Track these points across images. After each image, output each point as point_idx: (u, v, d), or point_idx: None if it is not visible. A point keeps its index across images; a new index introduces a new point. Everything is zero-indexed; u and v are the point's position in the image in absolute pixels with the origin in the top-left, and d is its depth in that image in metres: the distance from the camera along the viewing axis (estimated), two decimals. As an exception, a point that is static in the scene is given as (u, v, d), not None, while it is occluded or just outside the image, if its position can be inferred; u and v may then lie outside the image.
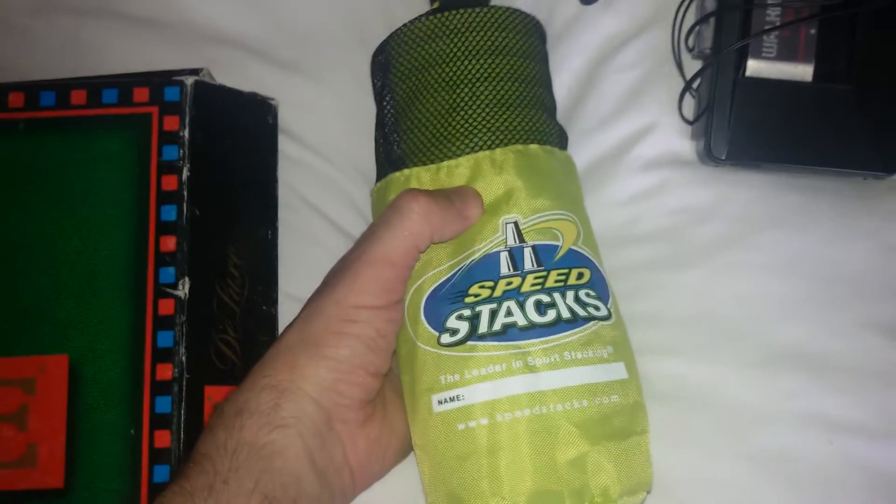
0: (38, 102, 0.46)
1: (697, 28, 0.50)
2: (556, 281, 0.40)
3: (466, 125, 0.42)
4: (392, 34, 0.45)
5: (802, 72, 0.48)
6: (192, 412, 0.43)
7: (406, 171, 0.43)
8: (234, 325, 0.45)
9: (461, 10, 0.43)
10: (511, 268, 0.40)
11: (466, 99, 0.42)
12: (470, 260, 0.40)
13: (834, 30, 0.48)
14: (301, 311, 0.40)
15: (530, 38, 0.44)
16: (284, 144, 0.51)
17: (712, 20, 0.49)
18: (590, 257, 0.42)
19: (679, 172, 0.51)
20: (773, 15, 0.48)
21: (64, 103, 0.46)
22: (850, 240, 0.49)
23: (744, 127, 0.48)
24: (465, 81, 0.42)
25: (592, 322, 0.40)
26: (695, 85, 0.50)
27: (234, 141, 0.48)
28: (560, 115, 0.52)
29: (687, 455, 0.46)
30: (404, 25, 0.44)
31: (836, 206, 0.49)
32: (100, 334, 0.43)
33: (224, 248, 0.46)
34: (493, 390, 0.38)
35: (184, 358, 0.43)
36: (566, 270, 0.40)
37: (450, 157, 0.42)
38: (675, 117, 0.51)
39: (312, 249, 0.49)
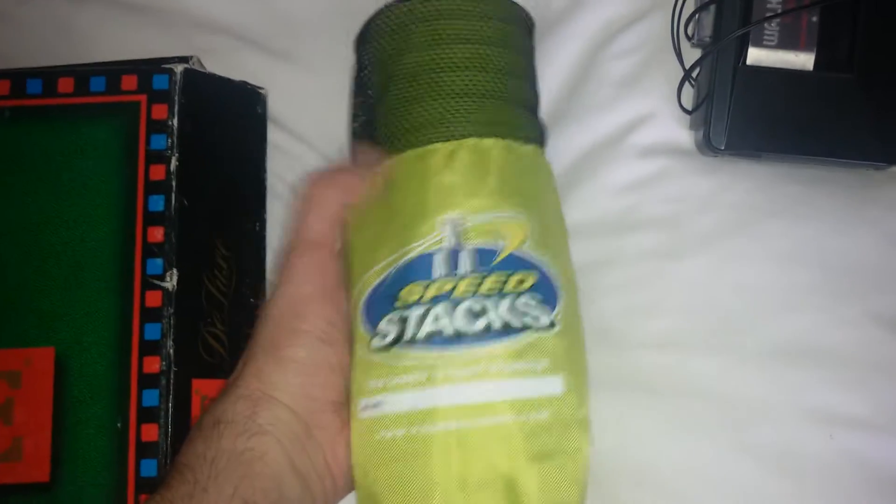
0: (24, 90, 0.46)
1: (697, 16, 0.49)
2: (492, 287, 0.38)
3: (421, 118, 0.40)
4: (367, 22, 0.43)
5: (804, 60, 0.47)
6: (179, 406, 0.42)
7: None
8: (222, 317, 0.45)
9: None
10: (445, 270, 0.38)
11: (425, 91, 0.40)
12: (405, 259, 0.38)
13: (836, 18, 0.47)
14: (258, 319, 0.41)
15: (506, 25, 0.42)
16: (274, 134, 0.50)
17: (712, 7, 0.48)
18: (538, 262, 0.39)
19: (678, 161, 0.50)
20: (775, 2, 0.47)
21: (51, 91, 0.46)
22: (852, 230, 0.48)
23: (744, 116, 0.47)
24: (426, 72, 0.41)
25: (528, 332, 0.37)
26: (694, 74, 0.49)
27: (222, 130, 0.47)
28: (557, 100, 0.51)
29: (684, 447, 0.46)
30: (378, 12, 0.43)
31: (838, 197, 0.49)
32: (86, 326, 0.43)
33: (212, 239, 0.45)
34: (414, 401, 0.37)
35: (171, 351, 0.42)
36: (504, 276, 0.38)
37: (401, 151, 0.40)
38: (673, 105, 0.50)
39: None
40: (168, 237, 0.43)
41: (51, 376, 0.42)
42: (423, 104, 0.40)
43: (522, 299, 0.38)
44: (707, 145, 0.47)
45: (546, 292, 0.39)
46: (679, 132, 0.50)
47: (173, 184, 0.44)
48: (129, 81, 0.45)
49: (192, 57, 0.47)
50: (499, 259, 0.38)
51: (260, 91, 0.49)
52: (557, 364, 0.38)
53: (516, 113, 0.42)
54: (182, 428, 0.42)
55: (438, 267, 0.38)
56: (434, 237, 0.38)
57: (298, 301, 0.39)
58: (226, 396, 0.39)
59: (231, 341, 0.45)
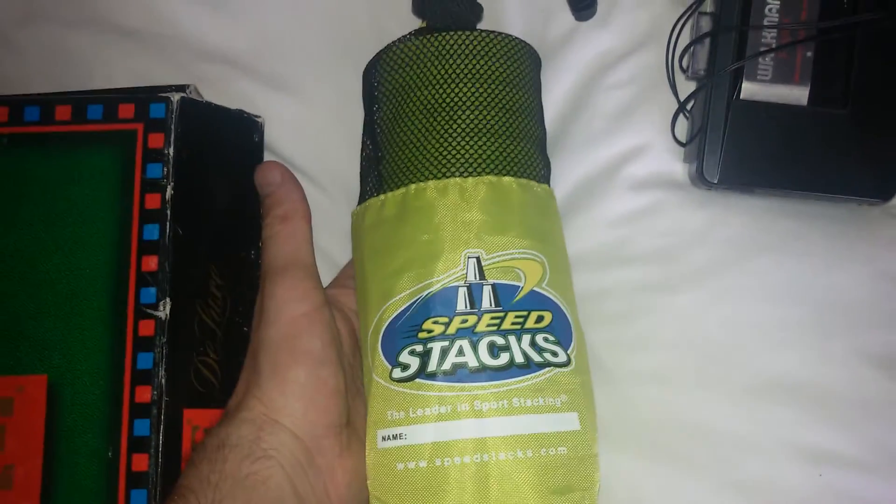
0: (22, 117, 0.46)
1: (692, 49, 0.49)
2: (513, 323, 0.39)
3: (439, 152, 0.41)
4: (379, 53, 0.44)
5: (798, 95, 0.47)
6: (170, 436, 0.42)
7: (381, 197, 0.42)
8: (215, 346, 0.45)
9: (446, 34, 0.42)
10: (468, 305, 0.39)
11: (443, 125, 0.41)
12: (427, 291, 0.39)
13: (831, 53, 0.47)
14: (249, 348, 0.42)
15: (518, 65, 0.43)
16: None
17: (707, 41, 0.48)
18: (554, 300, 0.40)
19: (671, 194, 0.50)
20: (769, 37, 0.47)
21: (48, 119, 0.46)
22: (844, 267, 0.48)
23: (737, 151, 0.47)
24: (444, 107, 0.41)
25: (548, 368, 0.38)
26: (688, 106, 0.50)
27: (219, 159, 0.47)
28: (551, 131, 0.51)
29: (672, 483, 0.46)
30: (390, 45, 0.43)
31: (831, 233, 0.49)
32: (79, 355, 0.43)
33: (207, 268, 0.45)
34: (436, 433, 0.37)
35: (163, 380, 0.42)
36: (525, 313, 0.39)
37: (420, 181, 0.41)
38: (667, 138, 0.50)
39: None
40: (162, 266, 0.43)
41: (43, 404, 0.42)
42: (440, 139, 0.41)
43: (541, 336, 0.39)
44: (700, 179, 0.47)
45: (562, 330, 0.40)
46: (673, 165, 0.50)
47: (168, 213, 0.44)
48: (126, 110, 0.46)
49: (189, 85, 0.47)
50: (519, 296, 0.39)
51: (257, 119, 0.50)
52: (574, 400, 0.39)
53: (528, 151, 0.43)
54: (173, 458, 0.42)
55: (461, 301, 0.39)
56: (457, 271, 0.39)
57: (293, 323, 0.40)
58: (230, 420, 0.39)
59: (224, 371, 0.45)
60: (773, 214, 0.49)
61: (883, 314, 0.47)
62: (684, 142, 0.50)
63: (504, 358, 0.38)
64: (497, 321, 0.38)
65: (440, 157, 0.41)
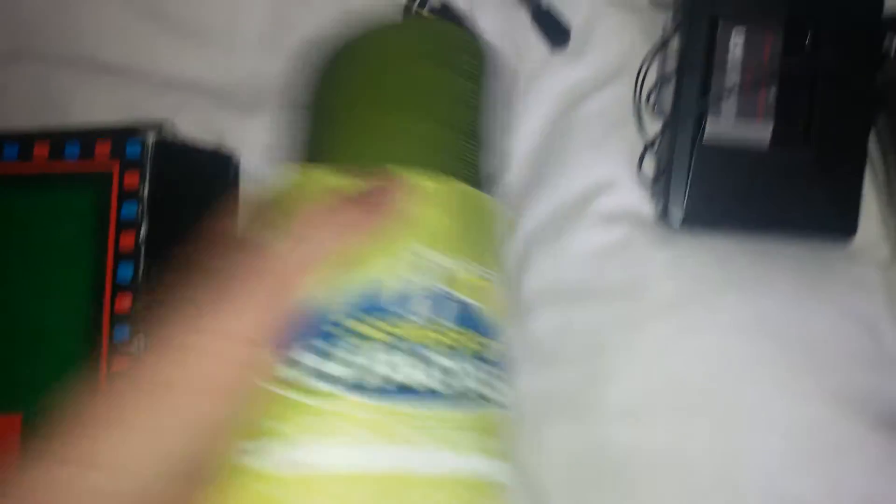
0: (1, 154, 0.47)
1: (658, 86, 0.49)
2: (463, 345, 0.35)
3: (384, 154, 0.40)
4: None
5: (761, 135, 0.48)
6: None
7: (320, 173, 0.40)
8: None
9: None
10: (411, 312, 0.35)
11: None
12: (367, 290, 0.35)
13: (793, 94, 0.48)
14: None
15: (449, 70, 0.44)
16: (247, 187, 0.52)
17: (672, 82, 0.49)
18: (501, 330, 0.38)
19: (639, 229, 0.50)
20: (732, 81, 0.47)
21: (26, 156, 0.47)
22: (809, 307, 0.48)
23: (701, 193, 0.47)
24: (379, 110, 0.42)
25: (489, 405, 0.36)
26: (656, 142, 0.50)
27: (193, 196, 0.48)
28: (524, 164, 0.52)
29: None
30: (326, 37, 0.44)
31: (796, 272, 0.49)
32: (54, 394, 0.44)
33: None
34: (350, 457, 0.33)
35: (136, 417, 0.43)
36: (475, 336, 0.36)
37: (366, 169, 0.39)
38: (636, 173, 0.51)
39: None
40: (136, 305, 0.44)
41: (17, 443, 0.43)
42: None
43: (486, 367, 0.37)
44: (665, 221, 0.48)
45: (505, 366, 0.38)
46: (641, 199, 0.51)
47: (142, 251, 0.45)
48: (103, 148, 0.46)
49: (164, 121, 0.47)
50: (469, 316, 0.37)
51: (232, 157, 0.51)
52: (507, 447, 0.38)
53: (469, 148, 0.43)
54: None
55: (406, 306, 0.35)
56: (406, 276, 0.36)
57: None
58: None
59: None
60: (740, 253, 0.49)
61: (847, 356, 0.47)
62: (651, 178, 0.50)
63: (436, 381, 0.34)
64: (444, 337, 0.35)
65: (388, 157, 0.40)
